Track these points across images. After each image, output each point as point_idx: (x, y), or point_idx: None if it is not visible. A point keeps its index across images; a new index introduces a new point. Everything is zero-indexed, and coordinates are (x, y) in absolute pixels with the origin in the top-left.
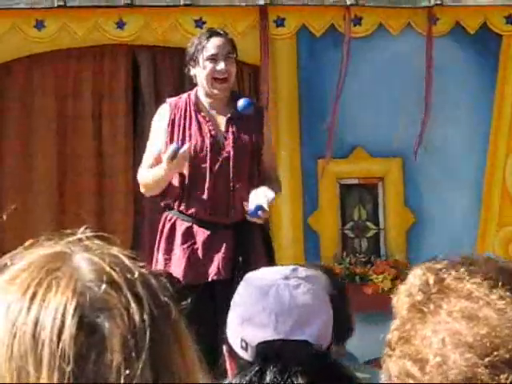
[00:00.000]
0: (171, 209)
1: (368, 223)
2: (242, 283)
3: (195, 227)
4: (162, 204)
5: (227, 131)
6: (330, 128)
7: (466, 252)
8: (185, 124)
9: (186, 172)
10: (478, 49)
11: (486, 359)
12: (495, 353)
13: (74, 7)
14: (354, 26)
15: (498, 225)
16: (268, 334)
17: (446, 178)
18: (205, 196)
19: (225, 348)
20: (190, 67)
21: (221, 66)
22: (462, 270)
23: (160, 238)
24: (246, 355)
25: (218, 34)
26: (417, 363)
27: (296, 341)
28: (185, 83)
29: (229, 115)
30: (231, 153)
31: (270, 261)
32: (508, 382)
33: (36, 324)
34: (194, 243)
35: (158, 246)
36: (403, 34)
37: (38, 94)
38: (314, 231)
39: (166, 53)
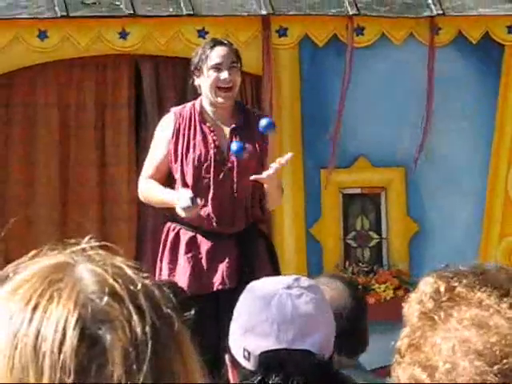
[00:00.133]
0: (175, 219)
1: (370, 233)
2: (244, 293)
3: (199, 237)
4: (166, 214)
5: (231, 141)
6: (333, 138)
7: (469, 262)
8: (189, 134)
9: (190, 182)
10: (480, 58)
11: (496, 367)
12: (505, 361)
13: (76, 17)
14: (357, 35)
15: (500, 235)
16: (270, 344)
17: (448, 188)
18: (208, 206)
19: (227, 357)
20: (195, 77)
21: (224, 75)
22: (473, 278)
23: (164, 247)
24: (249, 365)
25: (221, 44)
26: (426, 370)
27: (298, 350)
28: (187, 93)
29: (233, 125)
30: (235, 163)
31: (275, 269)
32: None
33: (37, 335)
34: (198, 253)
35: (162, 256)
36: (406, 43)
37: (40, 103)
38: (316, 241)
39: (169, 63)
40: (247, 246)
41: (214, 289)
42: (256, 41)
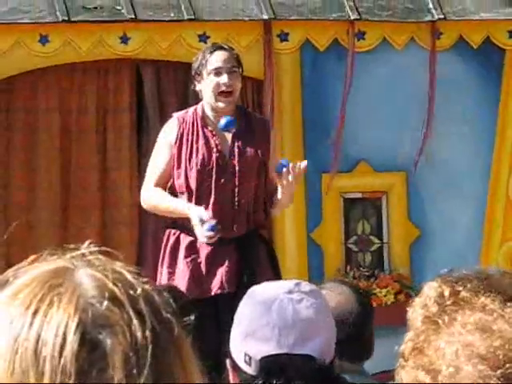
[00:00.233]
0: (175, 223)
1: (371, 237)
2: (245, 297)
3: (199, 241)
4: (167, 219)
5: (233, 146)
6: (335, 143)
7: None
8: (192, 139)
9: (193, 186)
10: (481, 63)
11: (499, 371)
12: (508, 365)
13: (78, 22)
14: (358, 40)
15: (501, 239)
16: (271, 348)
17: (449, 192)
18: (210, 210)
19: (228, 362)
20: (196, 82)
21: (224, 79)
22: (478, 283)
23: (164, 251)
24: (250, 369)
25: (222, 48)
26: (429, 373)
27: (299, 355)
28: (189, 97)
29: (234, 130)
30: (237, 167)
31: (276, 274)
32: None
33: (38, 340)
34: (198, 257)
35: (163, 260)
36: (407, 48)
37: (42, 108)
38: (317, 245)
39: (170, 67)
40: (247, 251)
41: (213, 293)
42: (257, 45)
